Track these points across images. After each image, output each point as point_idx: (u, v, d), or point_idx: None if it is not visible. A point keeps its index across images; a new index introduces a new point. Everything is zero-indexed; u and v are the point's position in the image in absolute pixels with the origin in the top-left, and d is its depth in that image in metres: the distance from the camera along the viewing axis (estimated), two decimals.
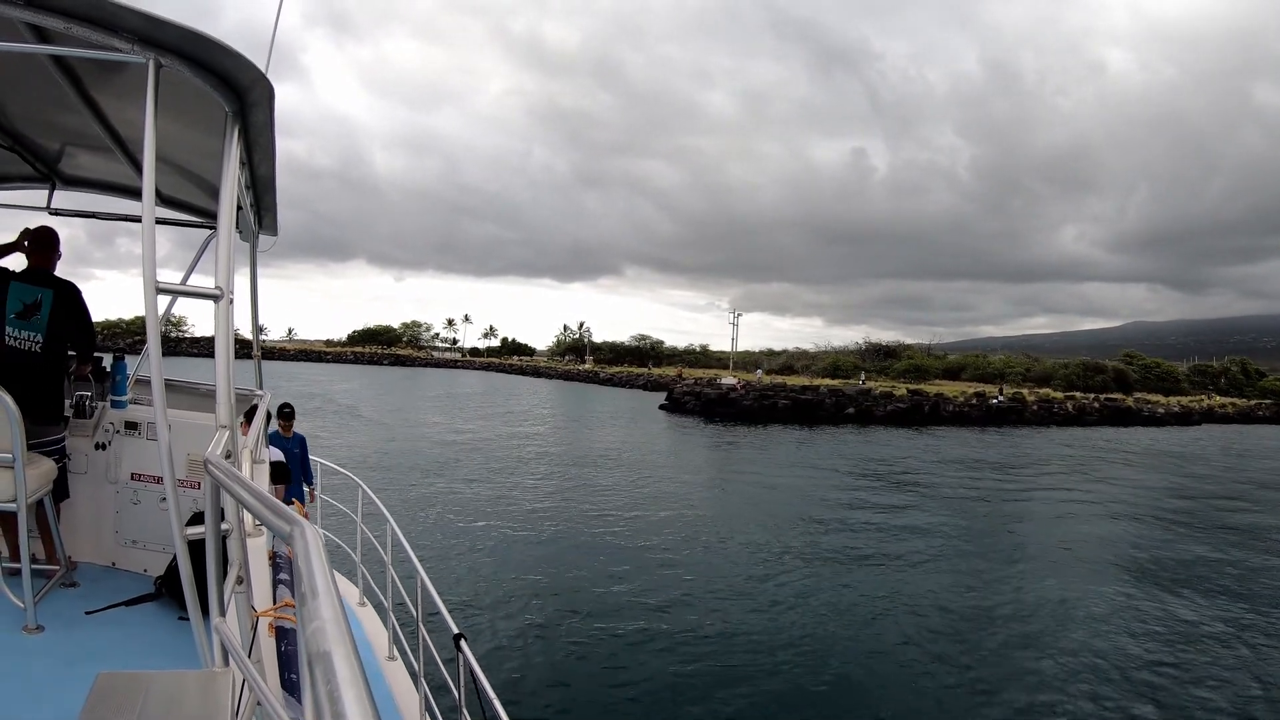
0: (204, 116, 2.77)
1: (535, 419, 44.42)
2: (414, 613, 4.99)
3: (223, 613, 1.62)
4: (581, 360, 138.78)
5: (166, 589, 3.83)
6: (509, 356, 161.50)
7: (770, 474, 25.47)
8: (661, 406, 56.61)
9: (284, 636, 2.20)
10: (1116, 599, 12.37)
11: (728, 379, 61.98)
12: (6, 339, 3.98)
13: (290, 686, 1.88)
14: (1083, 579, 13.56)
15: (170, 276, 3.76)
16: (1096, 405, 64.63)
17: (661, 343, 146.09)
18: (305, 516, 6.32)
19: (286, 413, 8.42)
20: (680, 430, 41.31)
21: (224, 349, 2.53)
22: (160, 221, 5.33)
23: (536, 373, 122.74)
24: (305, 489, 8.39)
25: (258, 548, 2.80)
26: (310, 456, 8.77)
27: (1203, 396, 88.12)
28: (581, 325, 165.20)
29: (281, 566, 2.78)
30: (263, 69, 2.70)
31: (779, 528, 16.88)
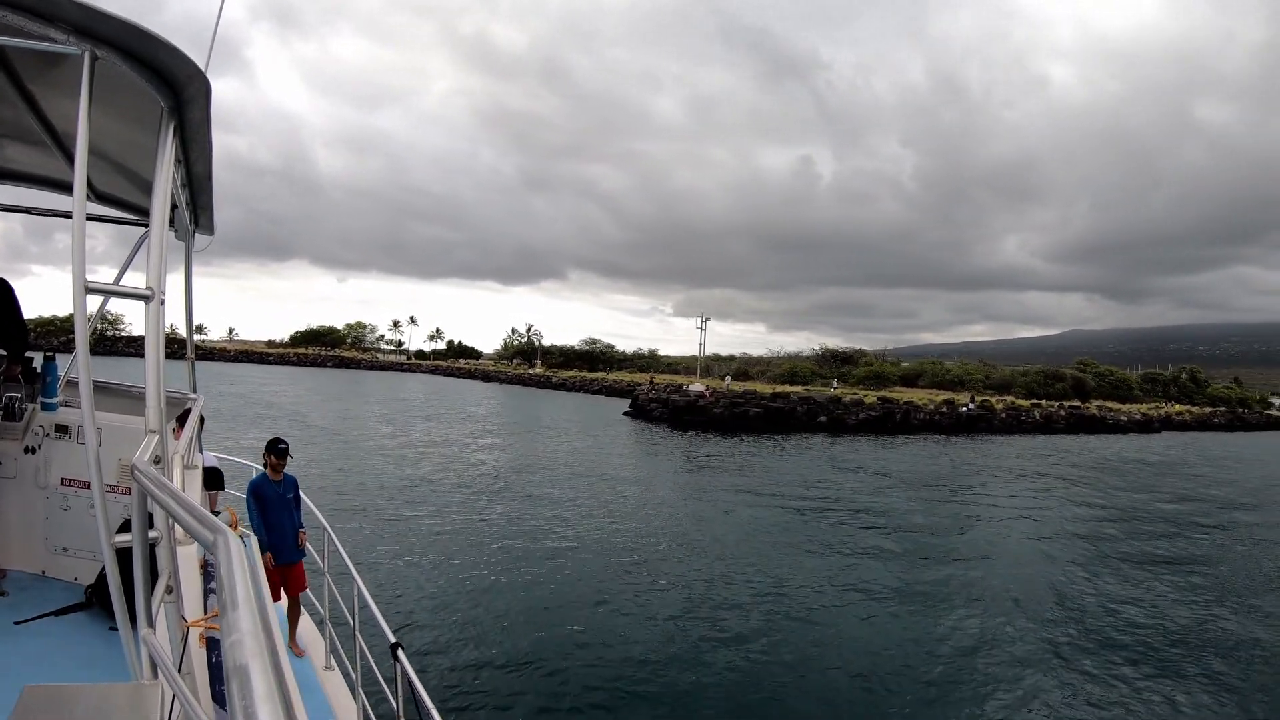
0: (140, 112, 2.75)
1: (489, 427, 43.08)
2: (351, 622, 4.96)
3: (151, 623, 1.61)
4: (531, 364, 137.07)
5: (97, 598, 3.77)
6: (456, 360, 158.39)
7: (753, 490, 24.25)
8: (626, 414, 55.23)
9: (215, 647, 2.20)
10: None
11: (695, 385, 60.19)
12: None
13: (221, 699, 1.88)
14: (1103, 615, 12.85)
15: (107, 274, 3.72)
16: (1063, 413, 66.22)
17: (612, 347, 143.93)
18: (303, 576, 6.20)
19: (281, 449, 6.86)
20: (649, 440, 39.95)
21: (154, 351, 2.52)
22: (93, 218, 5.31)
23: (486, 377, 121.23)
24: (300, 532, 6.96)
25: (189, 556, 2.79)
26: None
27: (1159, 404, 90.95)
28: (530, 328, 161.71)
29: (214, 575, 2.76)
30: (203, 63, 2.70)
31: (741, 548, 16.31)
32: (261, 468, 6.83)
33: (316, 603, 6.43)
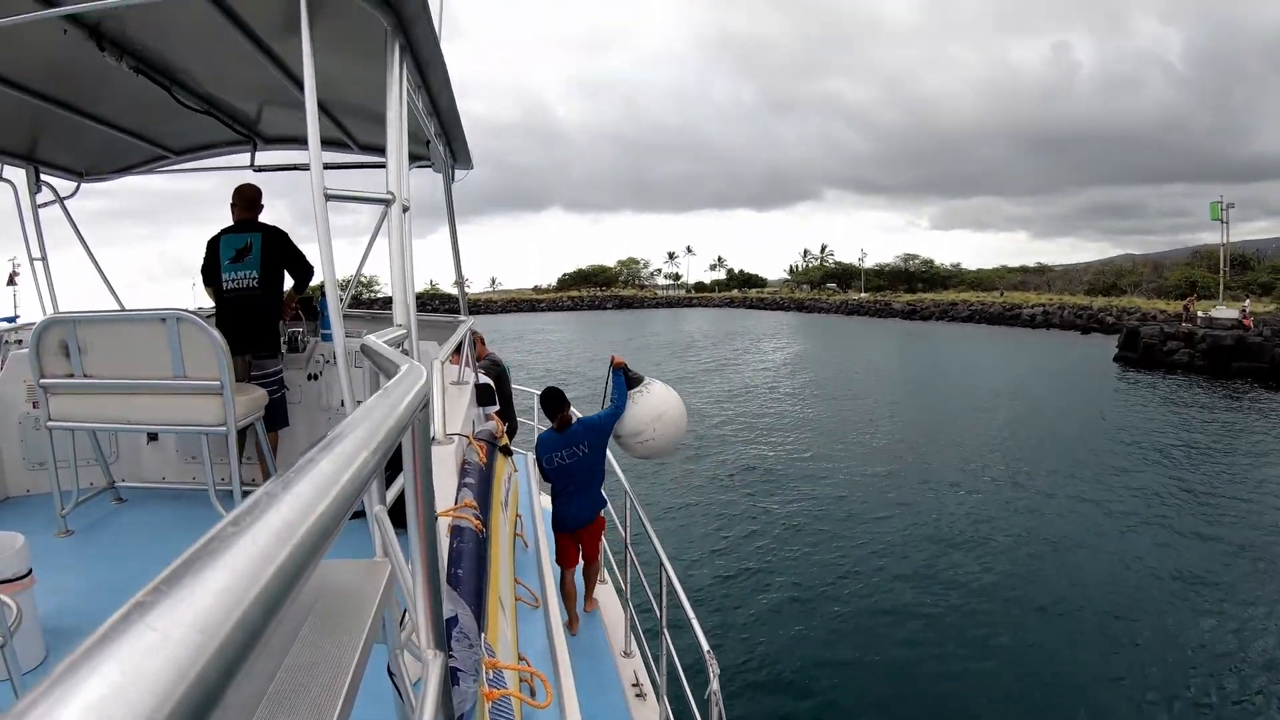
0: (378, 50, 2.96)
1: (864, 377, 33.37)
2: (656, 611, 4.83)
3: (383, 501, 1.74)
4: (845, 289, 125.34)
5: None
6: (743, 289, 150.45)
7: None
8: (1118, 359, 37.62)
9: (458, 535, 2.40)
10: None
11: (1224, 310, 40.15)
12: (225, 284, 4.64)
13: (455, 581, 2.01)
14: None
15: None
16: None
17: (931, 262, 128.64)
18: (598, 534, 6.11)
19: (554, 399, 6.01)
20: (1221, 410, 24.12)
21: (399, 253, 2.79)
22: (358, 166, 6.02)
23: (800, 307, 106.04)
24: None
25: (446, 455, 3.10)
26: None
27: None
28: (824, 249, 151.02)
29: (469, 472, 3.00)
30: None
31: None
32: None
33: (619, 576, 6.16)
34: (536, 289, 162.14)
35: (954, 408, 24.29)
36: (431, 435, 2.70)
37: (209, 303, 4.98)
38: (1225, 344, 33.85)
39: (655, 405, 6.02)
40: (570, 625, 5.65)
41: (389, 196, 2.75)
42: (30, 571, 2.79)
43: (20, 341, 5.79)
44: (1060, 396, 26.34)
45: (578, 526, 5.94)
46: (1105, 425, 21.08)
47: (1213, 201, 55.47)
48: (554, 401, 5.93)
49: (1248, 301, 43.38)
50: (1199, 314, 40.00)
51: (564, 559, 5.96)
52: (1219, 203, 55.16)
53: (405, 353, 2.57)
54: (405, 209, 2.82)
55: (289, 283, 5.02)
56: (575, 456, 5.85)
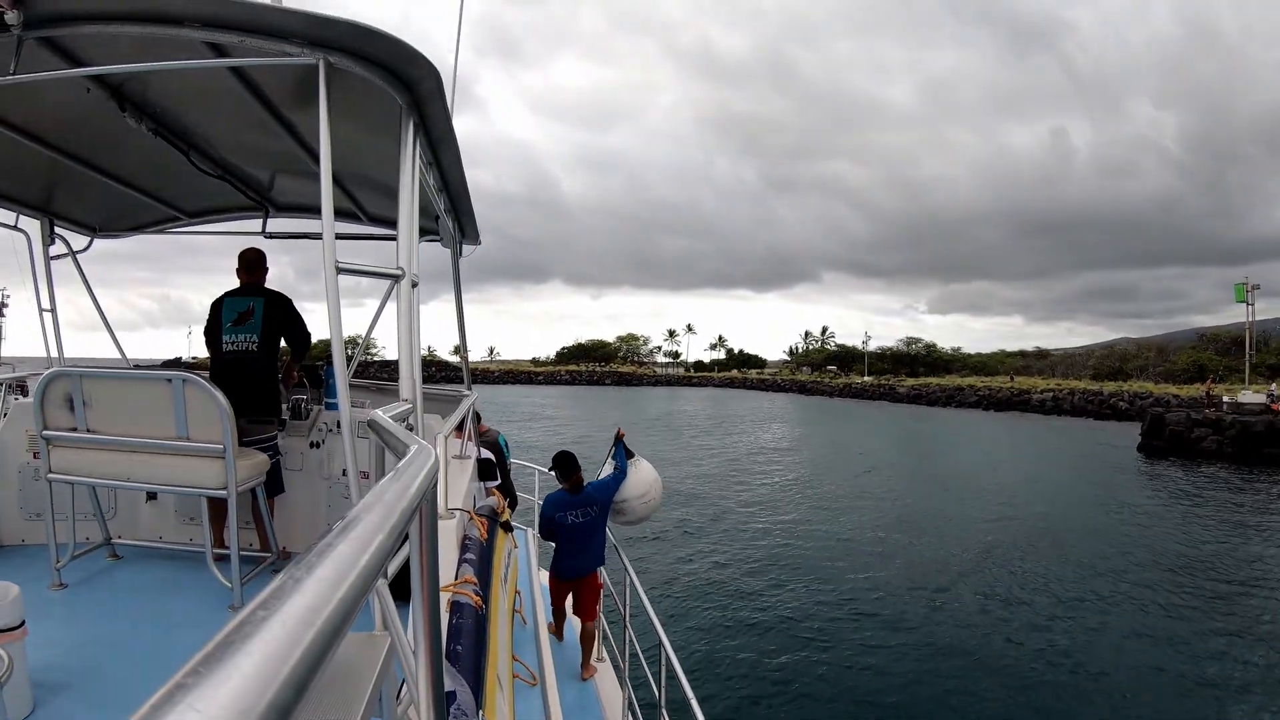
0: (391, 125, 3.05)
1: (865, 469, 30.96)
2: (654, 690, 4.90)
3: (384, 573, 1.73)
4: (847, 372, 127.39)
5: None
6: (742, 369, 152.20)
7: None
8: (1142, 448, 37.10)
9: (458, 610, 2.39)
10: None
11: (1251, 394, 39.73)
12: (224, 345, 4.71)
13: (454, 657, 1.99)
14: None
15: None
16: None
17: (934, 346, 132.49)
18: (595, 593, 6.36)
19: (570, 462, 6.54)
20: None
21: (407, 329, 2.81)
22: (367, 237, 6.11)
23: (801, 389, 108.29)
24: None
25: (447, 530, 3.09)
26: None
27: None
28: (825, 331, 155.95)
29: (469, 548, 2.98)
30: (449, 106, 3.09)
31: None
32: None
33: (617, 654, 6.36)
34: (535, 361, 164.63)
35: (981, 505, 22.72)
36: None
37: (207, 353, 5.00)
38: (1256, 430, 33.35)
39: (651, 471, 6.92)
40: (557, 632, 6.74)
41: (399, 272, 2.79)
42: (23, 623, 2.74)
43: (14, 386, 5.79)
44: (1095, 495, 24.74)
45: (575, 577, 6.48)
46: (1160, 534, 19.06)
47: (1237, 284, 55.82)
48: (570, 465, 6.52)
49: (1274, 385, 42.56)
50: (1223, 398, 39.69)
51: (554, 595, 6.67)
52: (1244, 284, 55.43)
53: (410, 428, 2.59)
54: (414, 285, 2.85)
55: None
56: (588, 516, 6.47)
